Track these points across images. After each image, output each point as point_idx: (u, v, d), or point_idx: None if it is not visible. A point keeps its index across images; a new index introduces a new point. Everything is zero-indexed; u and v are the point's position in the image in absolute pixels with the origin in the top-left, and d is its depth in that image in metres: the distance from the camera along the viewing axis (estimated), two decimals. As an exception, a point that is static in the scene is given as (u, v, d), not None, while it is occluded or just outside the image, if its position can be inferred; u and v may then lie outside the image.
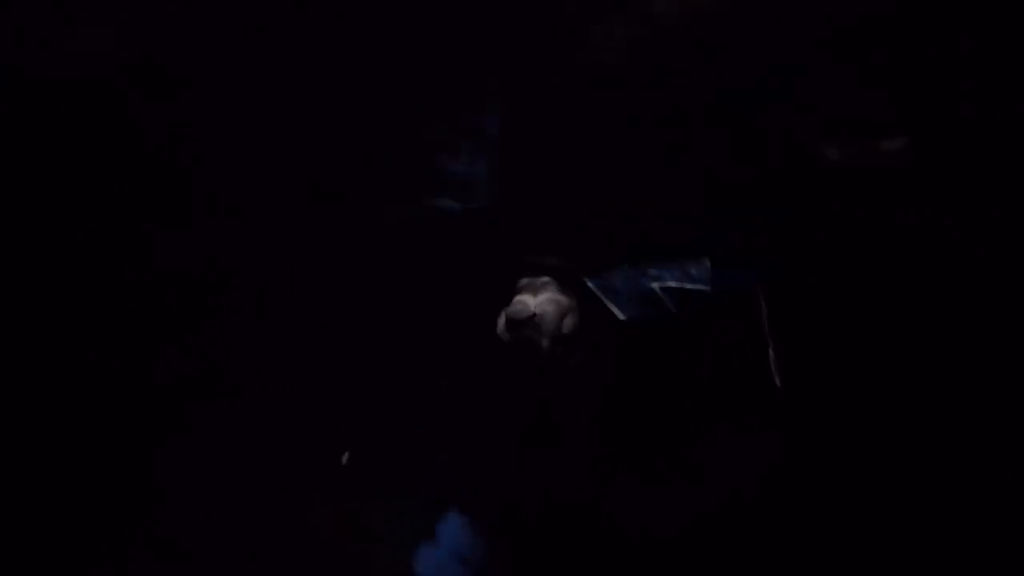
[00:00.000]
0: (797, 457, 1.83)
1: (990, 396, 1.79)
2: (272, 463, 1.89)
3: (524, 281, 1.95)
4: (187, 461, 1.90)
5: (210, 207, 2.02)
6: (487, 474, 1.87)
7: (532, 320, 1.83)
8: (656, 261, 1.99)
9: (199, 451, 1.91)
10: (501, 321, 1.88)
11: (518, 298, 1.88)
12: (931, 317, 1.86)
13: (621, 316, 1.96)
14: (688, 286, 1.95)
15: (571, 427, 1.90)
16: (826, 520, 1.77)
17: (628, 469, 1.85)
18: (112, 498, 1.86)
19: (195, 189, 2.02)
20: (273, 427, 1.94)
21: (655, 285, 1.96)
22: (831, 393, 1.88)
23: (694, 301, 1.95)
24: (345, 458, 1.91)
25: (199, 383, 1.98)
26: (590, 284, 1.98)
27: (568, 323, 1.87)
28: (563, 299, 1.89)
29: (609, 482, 1.83)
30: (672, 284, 1.96)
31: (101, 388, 1.96)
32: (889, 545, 1.72)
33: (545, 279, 1.94)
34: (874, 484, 1.79)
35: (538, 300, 1.88)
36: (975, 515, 1.70)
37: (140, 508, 1.85)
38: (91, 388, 1.96)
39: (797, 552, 1.75)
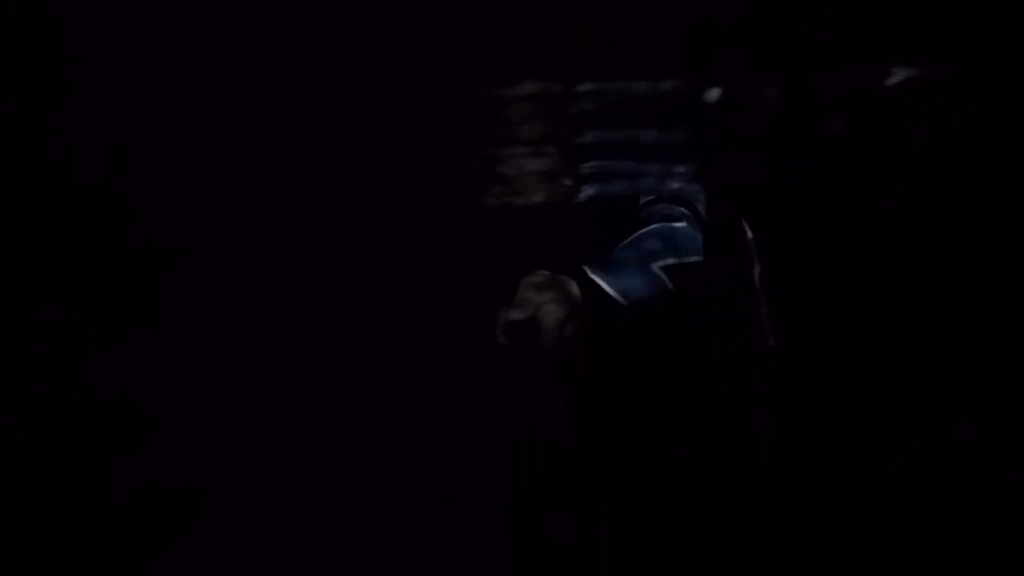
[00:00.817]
0: (794, 445, 1.84)
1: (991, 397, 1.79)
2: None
3: (525, 279, 1.88)
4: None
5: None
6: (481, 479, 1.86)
7: (532, 322, 1.78)
8: (653, 239, 1.94)
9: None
10: (500, 322, 1.83)
11: (518, 297, 1.83)
12: (935, 302, 1.86)
13: (623, 302, 1.89)
14: (685, 260, 1.92)
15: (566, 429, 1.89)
16: (822, 516, 1.78)
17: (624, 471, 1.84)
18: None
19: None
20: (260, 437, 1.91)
21: (655, 265, 1.91)
22: (830, 372, 1.88)
23: (690, 275, 1.91)
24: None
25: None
26: (591, 274, 1.90)
27: (571, 325, 1.83)
28: (566, 298, 1.84)
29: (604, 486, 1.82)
30: (671, 261, 1.91)
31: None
32: (886, 544, 1.74)
33: (547, 275, 1.87)
34: (871, 476, 1.80)
35: (540, 299, 1.81)
36: (975, 516, 1.71)
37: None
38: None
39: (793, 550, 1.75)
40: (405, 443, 1.93)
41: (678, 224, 1.95)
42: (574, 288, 1.83)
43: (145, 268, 2.03)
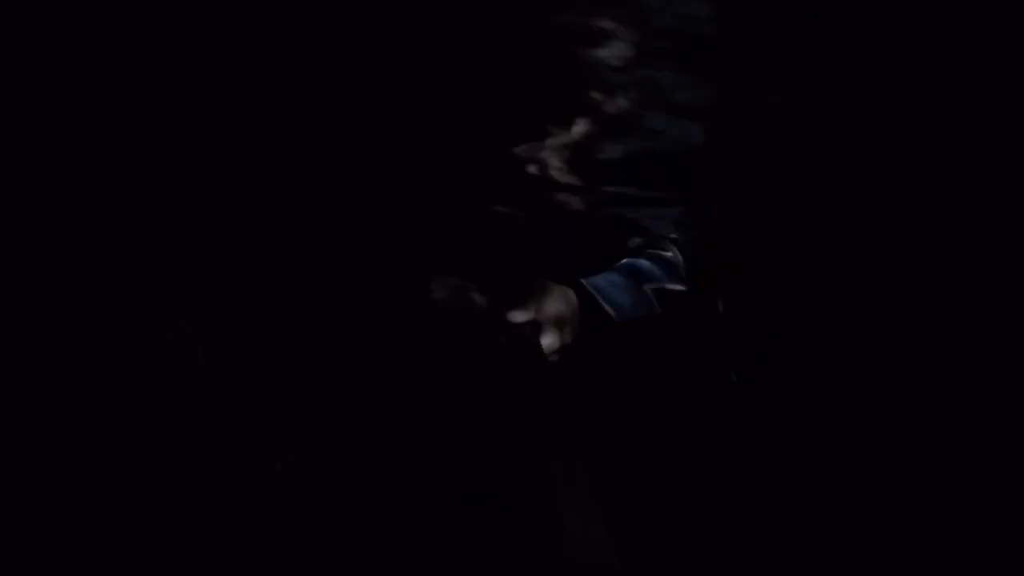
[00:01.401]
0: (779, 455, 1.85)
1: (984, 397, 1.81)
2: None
3: (527, 283, 1.92)
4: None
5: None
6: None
7: (533, 324, 1.81)
8: (645, 260, 2.01)
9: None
10: (501, 323, 1.86)
11: (520, 300, 1.86)
12: (915, 314, 1.88)
13: (616, 318, 1.96)
14: (672, 286, 1.99)
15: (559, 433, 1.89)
16: (813, 521, 1.78)
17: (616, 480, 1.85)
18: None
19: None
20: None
21: (647, 287, 1.98)
22: (805, 389, 1.90)
23: (674, 300, 1.97)
24: None
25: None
26: (588, 287, 1.97)
27: (569, 330, 1.85)
28: (566, 305, 1.87)
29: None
30: (662, 285, 1.98)
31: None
32: (881, 545, 1.74)
33: (548, 282, 1.91)
34: (862, 483, 1.81)
35: (541, 303, 1.85)
36: (971, 518, 1.72)
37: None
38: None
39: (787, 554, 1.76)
40: (404, 443, 1.93)
41: (669, 254, 2.04)
42: (572, 297, 1.92)
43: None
